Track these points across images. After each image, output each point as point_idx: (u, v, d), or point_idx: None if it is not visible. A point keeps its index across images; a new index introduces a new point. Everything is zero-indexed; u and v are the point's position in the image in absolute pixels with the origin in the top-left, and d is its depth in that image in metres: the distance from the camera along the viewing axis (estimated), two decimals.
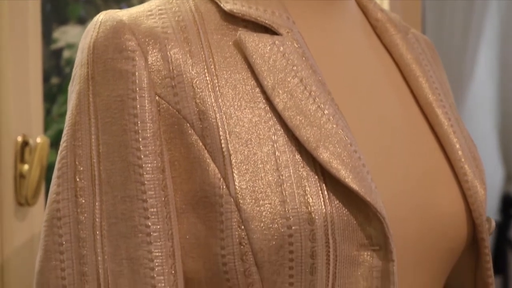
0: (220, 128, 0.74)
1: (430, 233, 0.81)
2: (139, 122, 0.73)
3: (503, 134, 3.74)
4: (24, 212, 1.17)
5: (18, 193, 1.15)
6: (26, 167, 1.15)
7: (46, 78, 1.41)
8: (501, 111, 3.72)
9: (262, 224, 0.73)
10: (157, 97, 0.74)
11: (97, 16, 0.78)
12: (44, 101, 1.30)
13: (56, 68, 1.51)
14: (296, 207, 0.73)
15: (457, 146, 0.85)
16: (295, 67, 0.76)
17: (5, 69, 1.14)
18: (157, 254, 0.73)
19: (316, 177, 0.74)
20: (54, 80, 1.49)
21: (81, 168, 0.74)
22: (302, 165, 0.74)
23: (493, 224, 0.86)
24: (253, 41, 0.76)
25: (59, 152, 0.76)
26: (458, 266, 0.86)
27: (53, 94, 1.46)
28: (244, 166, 0.74)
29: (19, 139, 1.15)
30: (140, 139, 0.73)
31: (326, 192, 0.74)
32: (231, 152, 0.74)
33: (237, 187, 0.73)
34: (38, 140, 1.16)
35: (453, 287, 0.90)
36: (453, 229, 0.83)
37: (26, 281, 1.16)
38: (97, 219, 0.74)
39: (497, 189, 3.71)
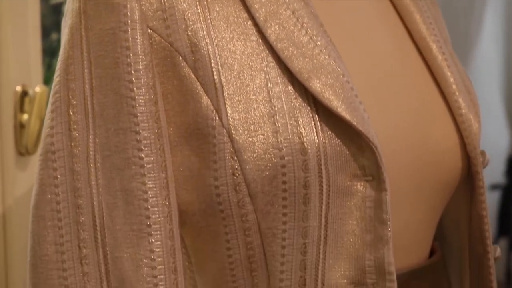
0: (212, 60, 0.74)
1: (424, 167, 0.81)
2: (131, 55, 0.73)
3: (508, 97, 3.72)
4: (25, 161, 1.17)
5: (18, 143, 1.16)
6: (25, 116, 1.16)
7: (46, 34, 1.41)
8: (507, 74, 3.71)
9: (255, 155, 0.73)
10: (149, 30, 0.74)
11: None
12: (45, 56, 1.30)
13: (56, 24, 1.51)
14: (288, 137, 0.73)
15: (451, 79, 0.85)
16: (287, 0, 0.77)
17: (4, 20, 1.15)
18: (150, 185, 0.73)
19: (309, 108, 0.75)
20: (54, 36, 1.50)
21: (75, 102, 0.75)
22: (294, 96, 0.75)
23: (487, 157, 0.86)
24: None
25: (52, 86, 0.76)
26: (453, 200, 0.87)
27: (54, 49, 1.47)
28: (237, 98, 0.74)
29: (19, 89, 1.15)
30: (133, 72, 0.73)
31: (318, 123, 0.74)
32: (224, 83, 0.74)
33: (230, 118, 0.74)
34: (37, 89, 1.16)
35: (448, 222, 0.90)
36: (447, 162, 0.83)
37: (28, 230, 1.17)
38: (91, 152, 0.74)
39: (503, 152, 3.71)
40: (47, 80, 1.32)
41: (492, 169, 3.57)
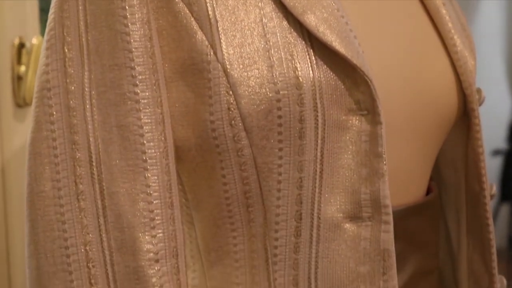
0: None
1: (420, 103, 0.81)
2: None
3: (510, 62, 3.71)
4: (23, 113, 1.17)
5: (16, 95, 1.16)
6: (23, 68, 1.16)
7: None
8: (509, 38, 3.70)
9: (250, 89, 0.74)
10: None
11: None
12: (41, 7, 1.30)
13: None
14: (283, 72, 0.73)
15: (447, 17, 0.85)
16: None
17: None
18: (146, 120, 0.73)
19: (304, 42, 0.74)
20: None
21: (69, 39, 0.75)
22: (289, 31, 0.75)
23: (483, 94, 0.86)
24: None
25: (47, 24, 0.76)
26: (450, 140, 0.87)
27: (50, 1, 1.46)
28: (231, 33, 0.74)
29: (16, 41, 1.15)
30: (127, 7, 0.73)
31: (313, 57, 0.74)
32: (218, 19, 0.74)
33: (225, 53, 0.74)
34: (34, 41, 1.16)
35: (444, 162, 0.90)
36: (443, 100, 0.83)
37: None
38: (86, 88, 0.74)
39: (504, 117, 3.70)
40: (43, 28, 1.31)
41: (494, 134, 3.58)
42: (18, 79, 1.16)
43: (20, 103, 1.16)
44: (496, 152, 3.64)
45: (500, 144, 3.68)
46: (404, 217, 0.81)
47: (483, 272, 0.86)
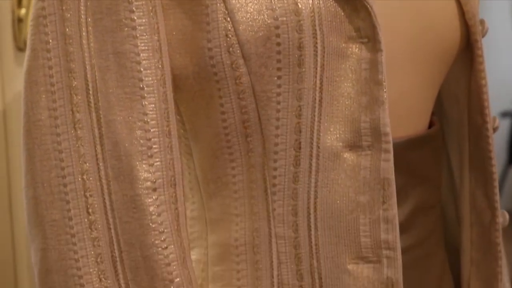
0: None
1: (421, 33, 0.80)
2: None
3: None
4: (24, 57, 1.16)
5: (17, 38, 1.15)
6: (23, 11, 1.14)
7: None
8: None
9: (248, 15, 0.72)
10: None
11: None
12: None
13: None
14: None
15: None
16: None
17: None
18: (143, 48, 0.72)
19: None
20: None
21: None
22: None
23: (487, 26, 0.85)
24: None
25: None
26: (452, 74, 0.86)
27: None
28: None
29: None
30: None
31: None
32: None
33: None
34: None
35: (447, 97, 0.89)
36: (446, 31, 0.82)
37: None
38: (82, 16, 0.73)
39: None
40: None
41: (503, 96, 3.56)
42: (18, 21, 1.14)
43: (21, 47, 1.15)
44: (504, 114, 3.63)
45: (508, 105, 3.67)
46: (406, 150, 0.80)
47: (485, 207, 0.85)
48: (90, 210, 0.73)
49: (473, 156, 0.86)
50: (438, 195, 0.88)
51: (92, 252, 0.73)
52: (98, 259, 0.73)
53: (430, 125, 0.86)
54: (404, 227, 0.82)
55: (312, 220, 0.75)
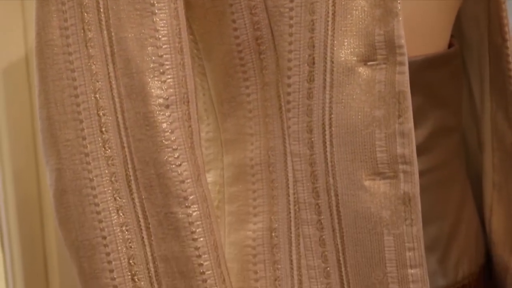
0: None
1: None
2: None
3: None
4: None
5: None
6: None
7: None
8: None
9: None
10: None
11: None
12: None
13: None
14: None
15: None
16: None
17: None
18: None
19: None
20: None
21: None
22: None
23: None
24: None
25: None
26: None
27: None
28: None
29: None
30: None
31: None
32: None
33: None
34: None
35: (466, 19, 0.88)
36: None
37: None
38: None
39: None
40: None
41: None
42: None
43: None
44: None
45: None
46: (424, 68, 0.79)
47: (506, 128, 0.84)
48: (103, 129, 0.72)
49: (494, 78, 0.85)
50: (458, 119, 0.87)
51: (106, 171, 0.72)
52: (113, 178, 0.73)
53: (449, 47, 0.84)
54: (424, 149, 0.81)
55: (327, 136, 0.74)
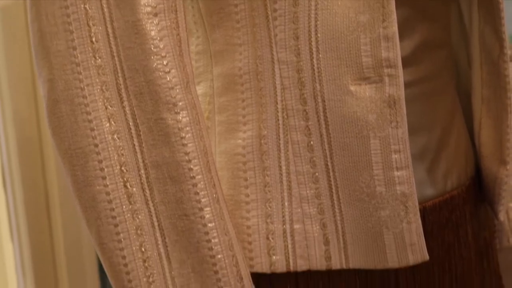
0: None
1: None
2: None
3: None
4: None
5: None
6: None
7: None
8: None
9: None
10: None
11: None
12: None
13: None
14: None
15: None
16: None
17: None
18: None
19: None
20: None
21: None
22: None
23: None
24: None
25: None
26: None
27: None
28: None
29: None
30: None
31: None
32: None
33: None
34: None
35: None
36: None
37: None
38: None
39: None
40: None
41: None
42: None
43: None
44: None
45: None
46: None
47: (494, 40, 0.85)
48: (93, 39, 0.74)
49: None
50: (447, 35, 0.88)
51: (97, 80, 0.74)
52: (103, 87, 0.74)
53: None
54: (411, 61, 0.82)
55: (313, 43, 0.75)
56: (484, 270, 0.91)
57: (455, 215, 0.86)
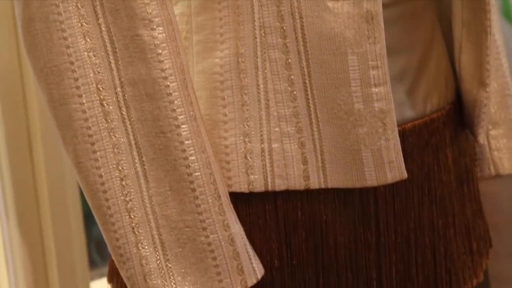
0: None
1: None
2: None
3: None
4: None
5: None
6: None
7: None
8: None
9: None
10: None
11: None
12: None
13: None
14: None
15: None
16: None
17: None
18: None
19: None
20: None
21: None
22: None
23: None
24: None
25: None
26: None
27: None
28: None
29: None
30: None
31: None
32: None
33: None
34: None
35: None
36: None
37: None
38: None
39: None
40: None
41: None
42: None
43: None
44: None
45: None
46: None
47: None
48: None
49: None
50: None
51: None
52: (79, 4, 0.73)
53: None
54: None
55: None
56: (465, 195, 0.91)
57: (435, 138, 0.85)
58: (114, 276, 0.91)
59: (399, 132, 0.80)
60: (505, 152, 0.98)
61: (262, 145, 0.77)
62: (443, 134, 0.86)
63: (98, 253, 1.85)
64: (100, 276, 1.63)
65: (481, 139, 0.88)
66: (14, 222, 1.32)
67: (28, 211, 1.32)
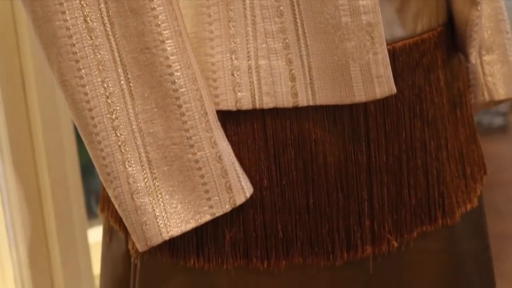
0: None
1: None
2: None
3: None
4: None
5: None
6: None
7: None
8: None
9: None
10: None
11: None
12: None
13: None
14: None
15: None
16: None
17: None
18: None
19: None
20: None
21: None
22: None
23: None
24: None
25: None
26: None
27: None
28: None
29: None
30: None
31: None
32: None
33: None
34: None
35: None
36: None
37: None
38: None
39: None
40: None
41: None
42: None
43: None
44: None
45: None
46: None
47: None
48: None
49: None
50: None
51: None
52: None
53: None
54: None
55: None
56: (458, 119, 0.90)
57: (426, 59, 0.84)
58: (105, 204, 0.91)
59: (389, 50, 0.79)
60: (499, 78, 0.97)
61: (249, 62, 0.77)
62: (435, 55, 0.85)
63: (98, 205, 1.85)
64: (99, 224, 1.63)
65: (473, 58, 0.87)
66: (10, 169, 1.32)
67: (24, 157, 1.32)
